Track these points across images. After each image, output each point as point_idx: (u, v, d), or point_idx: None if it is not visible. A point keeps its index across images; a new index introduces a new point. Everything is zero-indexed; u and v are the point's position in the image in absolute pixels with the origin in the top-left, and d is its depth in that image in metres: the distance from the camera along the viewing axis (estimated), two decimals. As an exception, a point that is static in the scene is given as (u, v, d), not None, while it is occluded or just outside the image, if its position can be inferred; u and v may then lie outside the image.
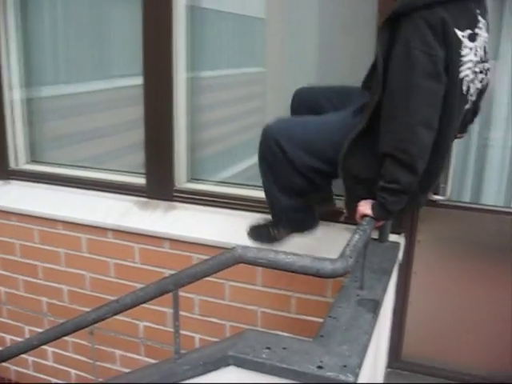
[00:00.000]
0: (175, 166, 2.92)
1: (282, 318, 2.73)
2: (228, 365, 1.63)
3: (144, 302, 1.80)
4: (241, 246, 1.58)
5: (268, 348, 1.61)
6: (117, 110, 3.31)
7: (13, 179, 3.38)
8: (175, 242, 2.81)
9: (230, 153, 3.10)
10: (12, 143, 3.38)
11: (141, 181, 3.03)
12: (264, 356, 1.57)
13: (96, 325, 1.97)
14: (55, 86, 3.48)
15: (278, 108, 2.56)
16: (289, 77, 2.80)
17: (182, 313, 2.88)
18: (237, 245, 1.59)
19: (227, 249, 2.57)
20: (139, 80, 2.92)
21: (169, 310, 2.93)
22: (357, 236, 1.71)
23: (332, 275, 1.52)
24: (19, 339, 3.45)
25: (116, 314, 1.85)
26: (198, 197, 2.89)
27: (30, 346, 2.07)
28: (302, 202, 2.18)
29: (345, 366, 1.51)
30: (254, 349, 1.61)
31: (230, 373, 1.63)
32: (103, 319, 1.87)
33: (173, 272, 2.81)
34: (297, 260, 1.52)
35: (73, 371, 3.37)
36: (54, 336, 2.03)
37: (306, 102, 2.30)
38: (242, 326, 2.79)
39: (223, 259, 1.62)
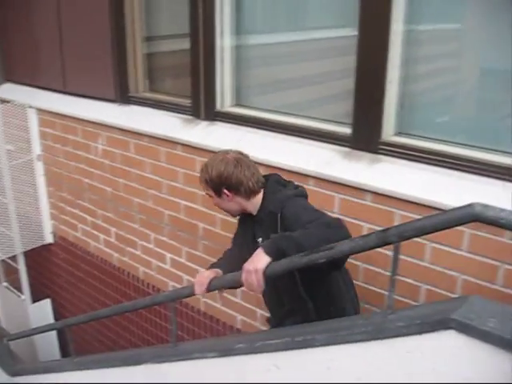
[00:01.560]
0: (384, 118, 2.80)
1: (485, 288, 2.54)
2: (448, 328, 1.52)
3: (362, 251, 1.74)
4: (480, 203, 1.45)
5: (494, 317, 1.48)
6: (323, 59, 3.25)
7: (218, 120, 3.49)
8: (378, 195, 2.71)
9: (441, 108, 2.91)
10: (220, 87, 3.48)
11: (346, 130, 2.95)
12: (491, 325, 1.45)
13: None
14: (263, 35, 3.52)
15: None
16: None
17: (377, 269, 2.83)
18: (475, 202, 1.46)
19: (434, 208, 2.48)
20: (349, 31, 2.85)
21: (361, 264, 2.87)
22: None
23: None
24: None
25: (330, 258, 1.82)
26: (404, 151, 2.75)
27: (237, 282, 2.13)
28: None
29: None
30: (479, 316, 1.49)
31: (450, 337, 1.53)
32: (315, 263, 1.85)
33: (372, 226, 2.77)
34: (547, 225, 1.36)
35: (259, 311, 3.45)
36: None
37: None
38: (439, 291, 2.64)
39: (457, 215, 1.50)
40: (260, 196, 2.44)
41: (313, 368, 2.00)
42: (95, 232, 4.56)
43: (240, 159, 2.48)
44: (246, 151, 3.17)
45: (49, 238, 5.25)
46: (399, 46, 2.73)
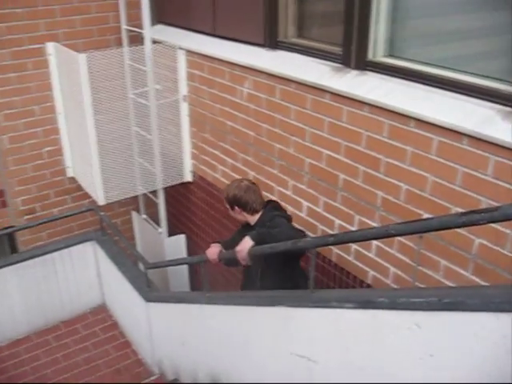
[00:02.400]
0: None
1: None
2: None
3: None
4: None
5: None
6: (488, 12, 3.01)
7: (369, 70, 3.38)
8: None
9: None
10: (373, 35, 3.35)
11: (509, 88, 2.75)
12: None
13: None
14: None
15: None
16: None
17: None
18: None
19: None
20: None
21: (511, 233, 2.72)
22: None
23: None
24: (348, 226, 3.61)
25: (492, 222, 1.72)
26: None
27: (385, 234, 2.08)
28: None
29: None
30: None
31: None
32: (475, 224, 1.76)
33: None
34: None
35: (392, 269, 3.40)
36: (412, 230, 2.00)
37: None
38: None
39: None
40: (259, 214, 3.49)
41: (457, 332, 1.94)
42: (234, 174, 4.67)
43: (249, 187, 3.50)
44: (395, 103, 3.09)
45: (188, 177, 5.46)
46: None
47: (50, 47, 5.23)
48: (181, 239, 5.84)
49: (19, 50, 5.13)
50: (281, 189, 4.13)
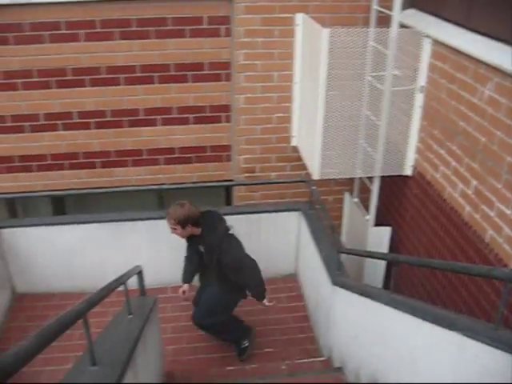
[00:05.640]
0: None
1: None
2: None
3: None
4: None
5: None
6: None
7: None
8: None
9: None
10: None
11: None
12: None
13: None
14: None
15: None
16: None
17: None
18: None
19: None
20: None
21: None
22: None
23: None
24: None
25: None
26: None
27: None
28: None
29: None
30: None
31: None
32: None
33: None
34: None
35: None
36: None
37: None
38: None
39: None
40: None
41: None
42: (455, 179, 4.33)
43: (190, 207, 4.20)
44: None
45: (408, 171, 5.22)
46: None
47: (299, 18, 5.32)
48: (386, 231, 5.65)
49: (269, 17, 5.32)
50: (501, 206, 3.70)
